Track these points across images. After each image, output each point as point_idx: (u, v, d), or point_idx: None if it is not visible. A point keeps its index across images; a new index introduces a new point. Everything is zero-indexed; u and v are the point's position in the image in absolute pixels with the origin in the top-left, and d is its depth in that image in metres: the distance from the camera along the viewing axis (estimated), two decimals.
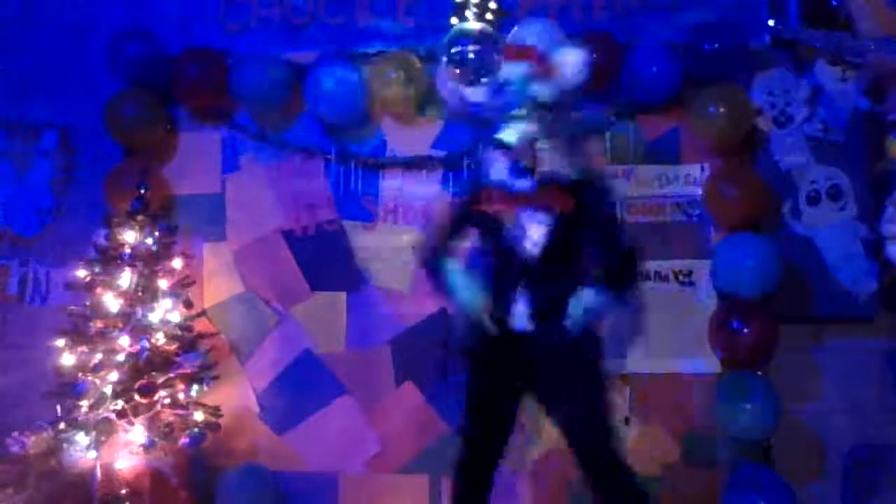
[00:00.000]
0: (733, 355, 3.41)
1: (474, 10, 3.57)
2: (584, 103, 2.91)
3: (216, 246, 3.81)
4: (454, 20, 3.60)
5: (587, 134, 3.50)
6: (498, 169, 2.70)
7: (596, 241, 2.70)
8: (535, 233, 2.66)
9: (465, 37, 2.80)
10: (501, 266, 2.73)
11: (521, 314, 2.66)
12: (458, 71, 2.76)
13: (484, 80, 2.73)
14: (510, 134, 2.64)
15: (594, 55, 2.79)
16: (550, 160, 2.66)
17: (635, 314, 2.85)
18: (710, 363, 3.50)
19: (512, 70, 2.68)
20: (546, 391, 2.77)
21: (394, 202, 3.74)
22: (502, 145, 2.65)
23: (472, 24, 2.93)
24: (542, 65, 2.68)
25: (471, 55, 2.73)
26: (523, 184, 2.66)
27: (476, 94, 2.77)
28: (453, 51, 2.78)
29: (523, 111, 2.65)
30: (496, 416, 2.79)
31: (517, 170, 2.66)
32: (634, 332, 3.54)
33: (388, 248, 3.71)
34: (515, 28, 3.48)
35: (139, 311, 3.32)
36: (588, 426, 2.73)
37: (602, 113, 3.59)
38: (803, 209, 3.53)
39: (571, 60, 2.70)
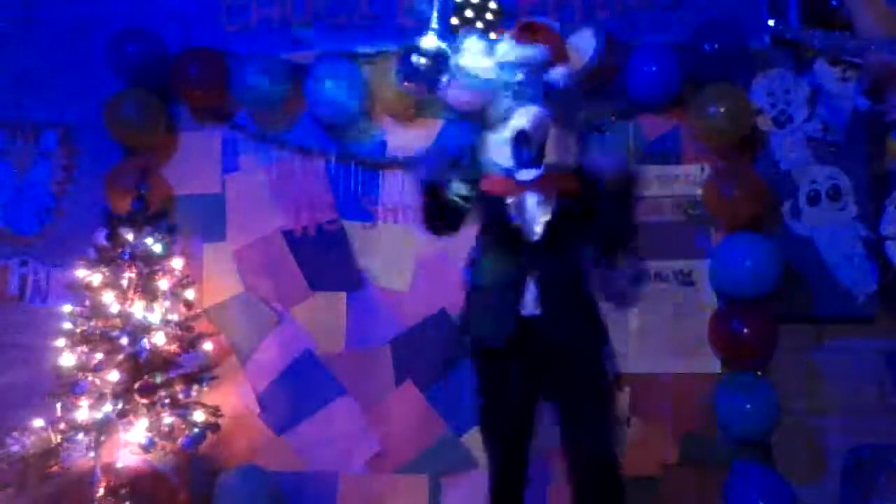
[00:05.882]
0: (733, 355, 3.41)
1: (474, 10, 3.58)
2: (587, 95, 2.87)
3: (216, 246, 3.80)
4: (454, 20, 3.61)
5: (590, 129, 3.51)
6: (501, 155, 2.62)
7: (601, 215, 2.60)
8: (539, 216, 2.60)
9: (415, 53, 2.89)
10: (506, 252, 2.66)
11: (530, 299, 2.61)
12: (409, 84, 2.86)
13: (435, 92, 2.81)
14: (522, 118, 2.55)
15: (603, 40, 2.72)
16: (557, 149, 2.59)
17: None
18: (710, 363, 3.50)
19: (526, 52, 2.61)
20: (552, 381, 2.70)
21: (394, 202, 3.74)
22: (517, 131, 2.55)
23: (424, 40, 2.96)
24: (557, 47, 2.63)
25: (421, 69, 2.82)
26: (528, 173, 2.58)
27: (486, 71, 2.68)
28: (405, 65, 2.89)
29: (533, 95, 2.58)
30: (515, 407, 2.70)
31: (522, 158, 2.57)
32: (635, 331, 3.55)
33: (388, 248, 3.71)
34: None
35: (139, 311, 3.32)
36: (589, 422, 2.67)
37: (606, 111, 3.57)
38: (803, 209, 3.53)
39: (584, 44, 2.67)
